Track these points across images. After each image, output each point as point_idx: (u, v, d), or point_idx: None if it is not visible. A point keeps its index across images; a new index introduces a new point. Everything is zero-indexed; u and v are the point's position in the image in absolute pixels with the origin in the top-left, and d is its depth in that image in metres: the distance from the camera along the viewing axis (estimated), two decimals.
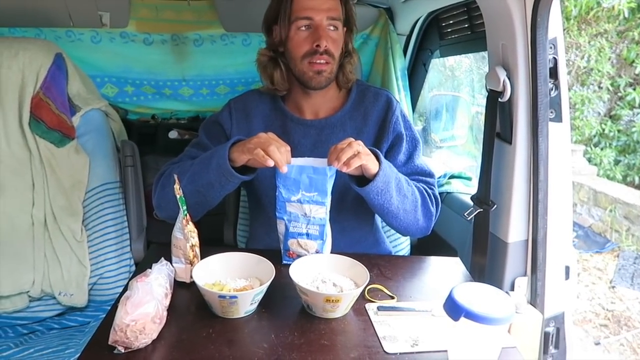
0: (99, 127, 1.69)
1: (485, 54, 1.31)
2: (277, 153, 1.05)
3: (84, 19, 2.03)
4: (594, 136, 5.76)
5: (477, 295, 0.83)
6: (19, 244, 1.56)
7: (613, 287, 3.68)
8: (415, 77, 2.26)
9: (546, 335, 1.22)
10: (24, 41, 1.60)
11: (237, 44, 2.21)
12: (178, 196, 1.02)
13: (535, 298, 1.21)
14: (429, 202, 1.27)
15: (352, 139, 1.09)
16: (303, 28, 1.23)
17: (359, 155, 1.07)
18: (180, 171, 1.20)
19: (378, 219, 1.44)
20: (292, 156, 1.11)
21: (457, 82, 3.90)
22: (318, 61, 1.23)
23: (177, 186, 1.02)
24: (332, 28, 1.24)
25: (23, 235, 1.56)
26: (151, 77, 2.23)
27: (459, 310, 0.80)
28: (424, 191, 1.28)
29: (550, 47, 1.14)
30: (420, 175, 1.33)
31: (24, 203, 1.57)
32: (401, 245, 1.62)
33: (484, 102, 1.26)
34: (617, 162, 5.59)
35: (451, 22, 1.96)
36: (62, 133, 1.59)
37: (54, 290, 1.57)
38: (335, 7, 1.24)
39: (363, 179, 1.15)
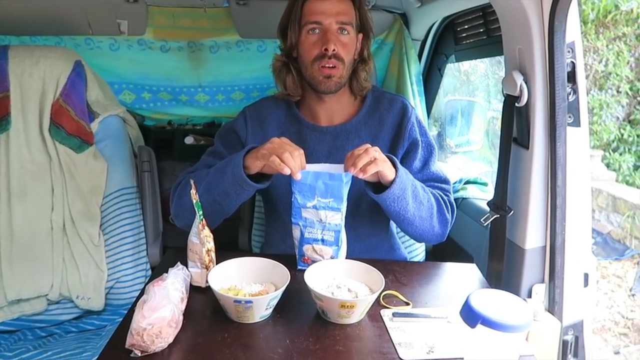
0: (116, 133, 1.72)
1: (500, 58, 1.30)
2: (291, 160, 1.05)
3: (103, 27, 2.07)
4: (613, 141, 5.66)
5: (494, 302, 0.82)
6: (38, 248, 1.59)
7: (633, 295, 3.61)
8: (430, 82, 2.25)
9: (565, 344, 1.20)
10: (45, 49, 1.64)
11: (252, 50, 2.22)
12: (194, 201, 1.03)
13: (554, 305, 1.19)
14: (445, 208, 1.27)
15: (368, 145, 1.09)
16: (313, 32, 1.24)
17: (375, 161, 1.07)
18: (196, 180, 1.21)
19: (393, 225, 1.43)
20: (308, 162, 1.11)
21: (473, 87, 3.88)
22: (327, 65, 1.23)
23: (193, 191, 1.03)
24: (342, 32, 1.24)
25: (42, 239, 1.59)
26: (168, 83, 2.26)
27: (476, 317, 0.80)
28: (439, 198, 1.27)
29: (568, 51, 1.12)
30: (435, 181, 1.32)
31: (44, 208, 1.60)
32: (416, 251, 1.61)
33: (499, 107, 1.25)
34: (636, 168, 5.49)
35: (466, 26, 1.95)
36: (81, 139, 1.62)
37: (71, 293, 1.59)
38: (346, 11, 1.25)
39: (379, 186, 1.15)
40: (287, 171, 1.05)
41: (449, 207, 1.28)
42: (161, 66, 2.20)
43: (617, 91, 5.74)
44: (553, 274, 1.19)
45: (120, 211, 1.68)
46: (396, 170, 1.12)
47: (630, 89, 5.65)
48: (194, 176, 1.26)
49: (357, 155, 1.07)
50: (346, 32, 1.25)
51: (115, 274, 1.65)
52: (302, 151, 1.09)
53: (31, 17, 1.96)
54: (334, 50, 1.22)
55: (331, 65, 1.23)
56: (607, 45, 5.67)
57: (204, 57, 2.22)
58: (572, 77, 1.14)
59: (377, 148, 1.09)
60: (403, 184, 1.14)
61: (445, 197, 1.29)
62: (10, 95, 1.57)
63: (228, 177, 1.14)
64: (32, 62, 1.58)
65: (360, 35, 1.31)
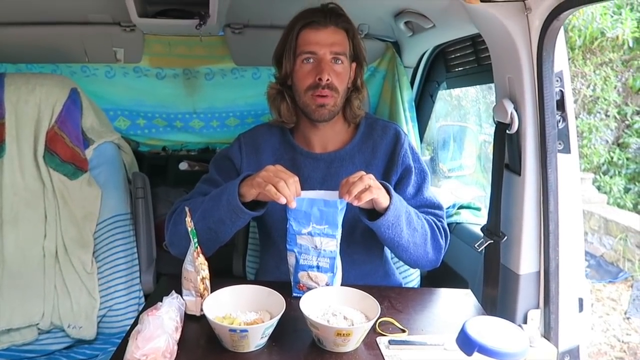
0: (111, 159, 1.72)
1: (491, 84, 1.33)
2: (286, 189, 1.06)
3: (99, 55, 2.09)
4: (603, 164, 5.73)
5: (490, 329, 0.82)
6: (29, 275, 1.57)
7: (628, 318, 3.60)
8: (423, 108, 2.28)
9: None
10: (41, 77, 1.65)
11: (247, 78, 2.26)
12: (189, 228, 1.03)
13: (549, 331, 1.19)
14: (439, 235, 1.27)
15: (363, 172, 1.10)
16: (307, 62, 1.26)
17: (370, 189, 1.08)
18: (191, 208, 1.21)
19: (387, 251, 1.43)
20: (302, 189, 1.11)
21: (464, 112, 3.94)
22: (321, 94, 1.25)
23: (188, 219, 1.03)
24: (336, 62, 1.26)
25: (34, 267, 1.58)
26: (163, 110, 2.28)
27: (473, 345, 0.80)
28: (433, 224, 1.28)
29: (557, 80, 1.15)
30: (429, 207, 1.33)
31: (36, 235, 1.59)
32: (411, 276, 1.60)
33: (491, 130, 1.27)
34: (627, 190, 5.54)
35: (458, 54, 2.00)
36: (75, 166, 1.62)
37: (63, 322, 1.57)
38: (340, 42, 1.27)
39: (373, 212, 1.16)
40: (282, 200, 1.05)
41: (443, 233, 1.29)
42: (156, 93, 2.23)
43: (606, 115, 5.84)
44: (548, 299, 1.19)
45: (113, 238, 1.67)
46: (390, 198, 1.13)
47: (619, 112, 5.75)
48: (189, 204, 1.26)
49: (352, 182, 1.08)
50: (340, 61, 1.27)
51: (107, 302, 1.63)
52: (296, 178, 1.10)
53: (28, 46, 1.99)
54: (327, 79, 1.24)
55: (325, 95, 1.25)
56: (594, 71, 5.79)
57: (199, 84, 2.25)
58: (561, 105, 1.17)
59: (371, 175, 1.10)
60: (397, 211, 1.14)
61: (439, 223, 1.30)
62: (5, 122, 1.58)
63: (223, 205, 1.15)
64: (28, 89, 1.59)
65: (354, 65, 1.33)
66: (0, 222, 1.56)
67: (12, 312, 1.53)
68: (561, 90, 1.16)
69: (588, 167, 5.72)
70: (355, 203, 1.08)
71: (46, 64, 2.08)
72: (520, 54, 1.14)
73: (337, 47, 1.26)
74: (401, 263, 1.54)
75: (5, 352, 1.53)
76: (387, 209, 1.12)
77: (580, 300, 1.24)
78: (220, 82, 2.25)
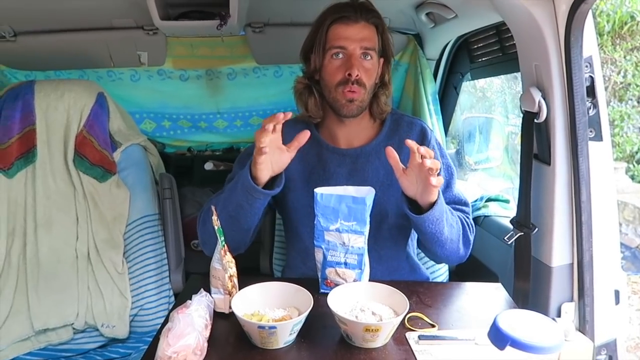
0: (138, 161, 1.75)
1: (517, 73, 1.29)
2: (261, 136, 1.05)
3: (124, 59, 2.14)
4: (636, 152, 5.55)
5: (522, 323, 0.81)
6: (64, 277, 1.61)
7: None
8: (447, 100, 2.25)
9: None
10: (69, 83, 1.69)
11: (269, 76, 2.26)
12: (216, 227, 1.04)
13: (585, 325, 1.16)
14: (468, 231, 1.29)
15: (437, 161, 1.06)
16: (337, 57, 1.25)
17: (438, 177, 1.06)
18: (215, 202, 1.23)
19: (411, 246, 1.41)
20: (328, 185, 1.12)
21: (489, 103, 3.87)
22: (350, 90, 1.24)
23: (214, 217, 1.04)
24: (365, 57, 1.25)
25: (68, 268, 1.62)
26: (187, 111, 2.31)
27: (505, 339, 0.78)
28: (463, 220, 1.29)
29: (586, 66, 1.11)
30: (457, 204, 1.33)
31: (69, 237, 1.63)
32: (439, 271, 1.58)
33: (517, 122, 1.25)
34: None
35: (481, 44, 1.96)
36: (104, 168, 1.65)
37: (96, 322, 1.60)
38: (370, 37, 1.26)
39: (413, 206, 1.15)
40: (265, 150, 1.06)
41: (472, 229, 1.30)
42: (180, 95, 2.26)
43: (638, 102, 5.65)
44: (582, 292, 1.16)
45: (143, 238, 1.70)
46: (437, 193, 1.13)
47: None
48: (215, 200, 1.27)
49: (432, 159, 1.03)
50: (369, 57, 1.26)
51: (139, 302, 1.66)
52: (270, 121, 1.06)
53: (56, 53, 2.04)
54: (357, 75, 1.23)
55: (354, 90, 1.24)
56: (624, 57, 5.61)
57: (221, 85, 2.27)
58: (591, 91, 1.13)
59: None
60: (442, 206, 1.14)
61: (468, 220, 1.31)
62: (36, 128, 1.62)
63: (239, 189, 1.16)
64: (56, 95, 1.63)
65: (382, 60, 1.32)
66: (35, 225, 1.61)
67: (48, 312, 1.57)
68: (591, 76, 1.12)
69: (621, 156, 5.55)
70: (435, 183, 1.04)
71: (73, 70, 2.13)
72: (547, 40, 1.10)
73: (367, 42, 1.24)
74: (426, 259, 1.53)
75: (42, 352, 1.57)
76: (434, 203, 1.12)
77: (617, 293, 1.21)
78: (242, 82, 2.26)
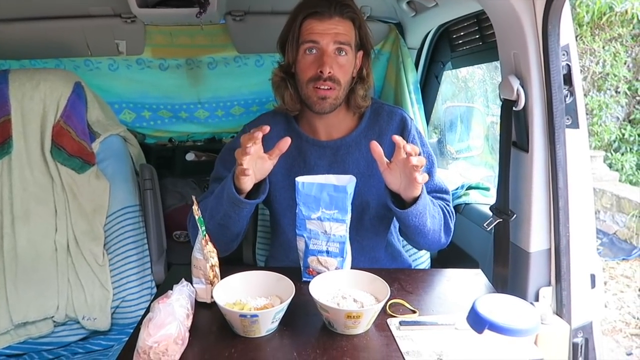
0: (118, 152, 1.72)
1: (497, 63, 1.30)
2: (242, 156, 1.04)
3: (102, 48, 2.10)
4: (614, 141, 5.66)
5: (500, 307, 0.82)
6: (43, 270, 1.59)
7: None
8: (428, 89, 2.26)
9: (575, 347, 1.19)
10: (45, 72, 1.65)
11: (250, 66, 2.24)
12: (197, 217, 1.03)
13: (562, 308, 1.18)
14: (449, 219, 1.30)
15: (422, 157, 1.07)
16: (310, 52, 1.22)
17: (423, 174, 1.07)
18: (203, 208, 1.21)
19: (392, 234, 1.42)
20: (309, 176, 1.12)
21: (471, 93, 3.90)
22: (322, 87, 1.22)
23: (195, 207, 1.04)
24: (340, 53, 1.23)
25: (47, 261, 1.59)
26: (167, 101, 2.28)
27: (483, 323, 0.79)
28: (444, 209, 1.30)
29: (563, 54, 1.13)
30: (438, 192, 1.34)
31: (48, 229, 1.60)
32: (421, 258, 1.60)
33: (498, 111, 1.26)
34: (639, 167, 5.48)
35: (462, 33, 1.97)
36: (82, 159, 1.63)
37: (77, 314, 1.59)
38: (345, 32, 1.22)
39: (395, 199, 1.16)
40: (248, 172, 1.07)
41: (452, 216, 1.32)
42: (160, 84, 2.22)
43: (616, 91, 5.75)
44: (559, 277, 1.18)
45: (123, 230, 1.68)
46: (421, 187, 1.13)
47: (629, 88, 5.66)
48: (201, 205, 1.25)
49: (418, 157, 1.04)
50: (344, 52, 1.23)
51: (120, 293, 1.65)
52: (255, 134, 1.04)
53: (31, 41, 1.99)
54: (329, 73, 1.20)
55: (326, 87, 1.22)
56: (603, 47, 5.69)
57: (202, 74, 2.24)
58: (568, 79, 1.15)
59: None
60: (425, 200, 1.15)
61: (448, 208, 1.32)
62: (11, 118, 1.58)
63: (225, 200, 1.16)
64: (32, 85, 1.59)
65: (360, 53, 1.29)
66: (12, 217, 1.58)
67: (28, 305, 1.55)
68: (568, 64, 1.14)
69: (599, 144, 5.66)
70: (421, 180, 1.05)
71: (49, 59, 2.08)
72: (525, 28, 1.11)
73: (341, 37, 1.21)
74: (409, 246, 1.54)
75: (22, 345, 1.55)
76: (417, 197, 1.13)
77: (592, 277, 1.23)
78: (223, 71, 2.24)
